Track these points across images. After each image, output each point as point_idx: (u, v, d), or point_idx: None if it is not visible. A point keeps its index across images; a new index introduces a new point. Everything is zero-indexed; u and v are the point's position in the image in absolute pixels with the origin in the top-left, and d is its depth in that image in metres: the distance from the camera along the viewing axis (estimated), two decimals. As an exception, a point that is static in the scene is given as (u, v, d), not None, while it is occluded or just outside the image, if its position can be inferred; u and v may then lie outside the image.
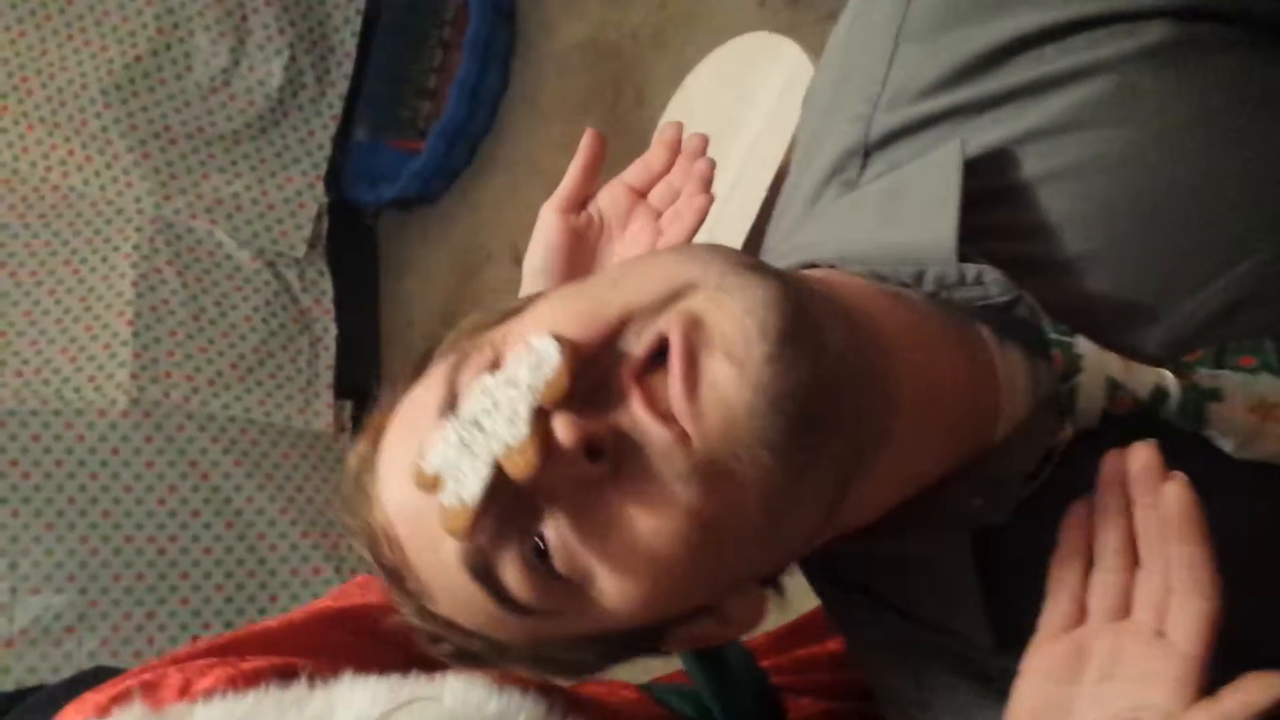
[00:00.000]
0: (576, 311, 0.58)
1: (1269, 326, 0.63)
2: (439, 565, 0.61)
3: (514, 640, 0.65)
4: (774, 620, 0.73)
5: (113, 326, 2.73)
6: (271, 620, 0.86)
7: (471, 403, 0.57)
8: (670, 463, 0.55)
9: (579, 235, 0.89)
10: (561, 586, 0.59)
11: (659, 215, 0.89)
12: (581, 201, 0.90)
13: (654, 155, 0.90)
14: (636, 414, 0.55)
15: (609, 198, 0.90)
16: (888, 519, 0.66)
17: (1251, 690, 0.51)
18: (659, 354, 0.56)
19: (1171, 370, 0.63)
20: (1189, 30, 0.65)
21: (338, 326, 3.14)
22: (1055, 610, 0.62)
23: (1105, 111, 0.65)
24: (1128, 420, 0.63)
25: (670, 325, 0.55)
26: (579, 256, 0.89)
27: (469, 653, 0.67)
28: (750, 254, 1.27)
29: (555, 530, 0.58)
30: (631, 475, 0.55)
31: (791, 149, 0.92)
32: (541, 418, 0.54)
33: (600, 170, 0.91)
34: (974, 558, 0.66)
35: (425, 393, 0.63)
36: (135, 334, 2.72)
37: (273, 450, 2.84)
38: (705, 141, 0.88)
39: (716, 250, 0.60)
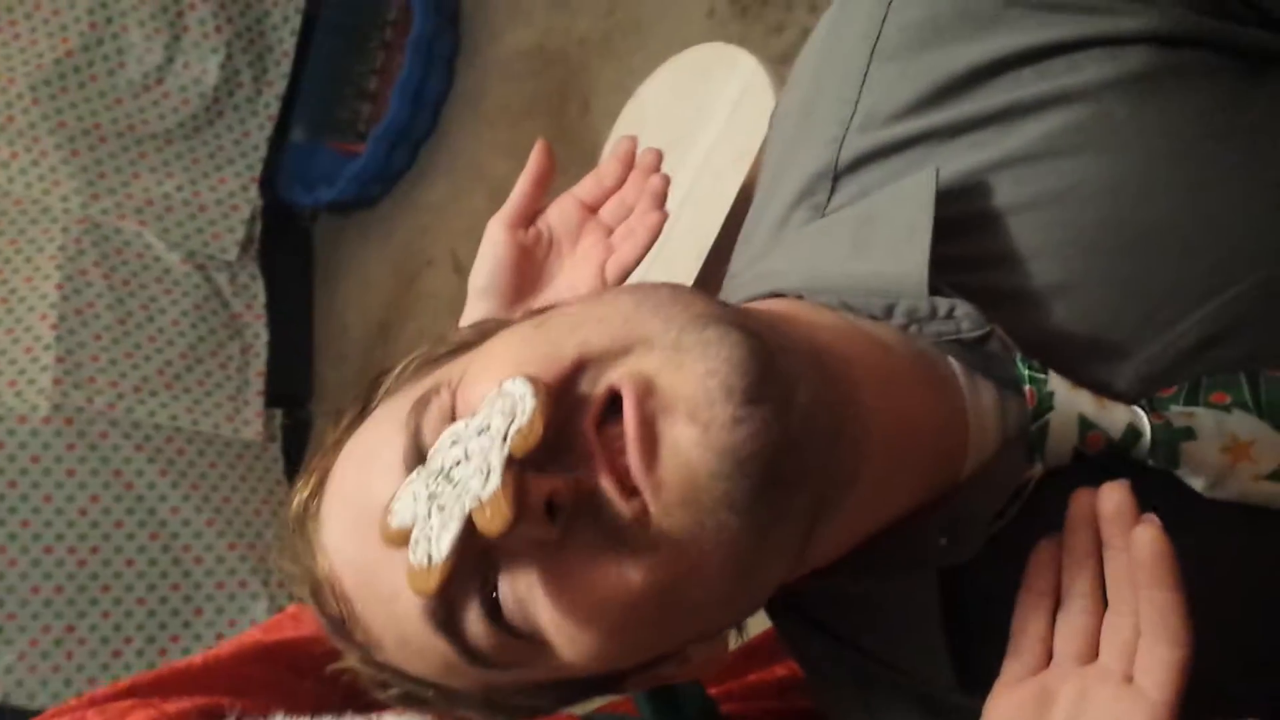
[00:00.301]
0: (534, 354, 0.56)
1: (1243, 361, 0.62)
2: (393, 617, 0.58)
3: (467, 687, 0.62)
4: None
5: (35, 330, 2.65)
6: (196, 656, 0.81)
7: (440, 453, 0.54)
8: (627, 533, 0.53)
9: (527, 251, 0.86)
10: (520, 639, 0.57)
11: (611, 231, 0.86)
12: (530, 216, 0.87)
13: (606, 169, 0.87)
14: (600, 482, 0.53)
15: (559, 212, 0.88)
16: (851, 556, 0.64)
17: None
18: (614, 403, 0.53)
19: (1145, 406, 0.61)
20: (1170, 57, 0.64)
21: (269, 332, 3.08)
22: (1019, 653, 0.60)
23: (1083, 140, 0.63)
24: (1099, 459, 0.61)
25: (623, 388, 0.53)
26: (527, 273, 0.86)
27: (416, 697, 0.64)
28: (711, 268, 1.24)
29: (510, 586, 0.55)
30: (592, 537, 0.53)
31: (755, 166, 0.89)
32: (513, 468, 0.51)
33: (550, 183, 0.88)
34: (939, 595, 0.63)
35: (375, 437, 0.60)
36: (58, 338, 2.64)
37: (200, 459, 2.78)
38: (659, 157, 0.86)
39: (677, 298, 0.57)
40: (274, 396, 3.06)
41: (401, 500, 0.55)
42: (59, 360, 2.62)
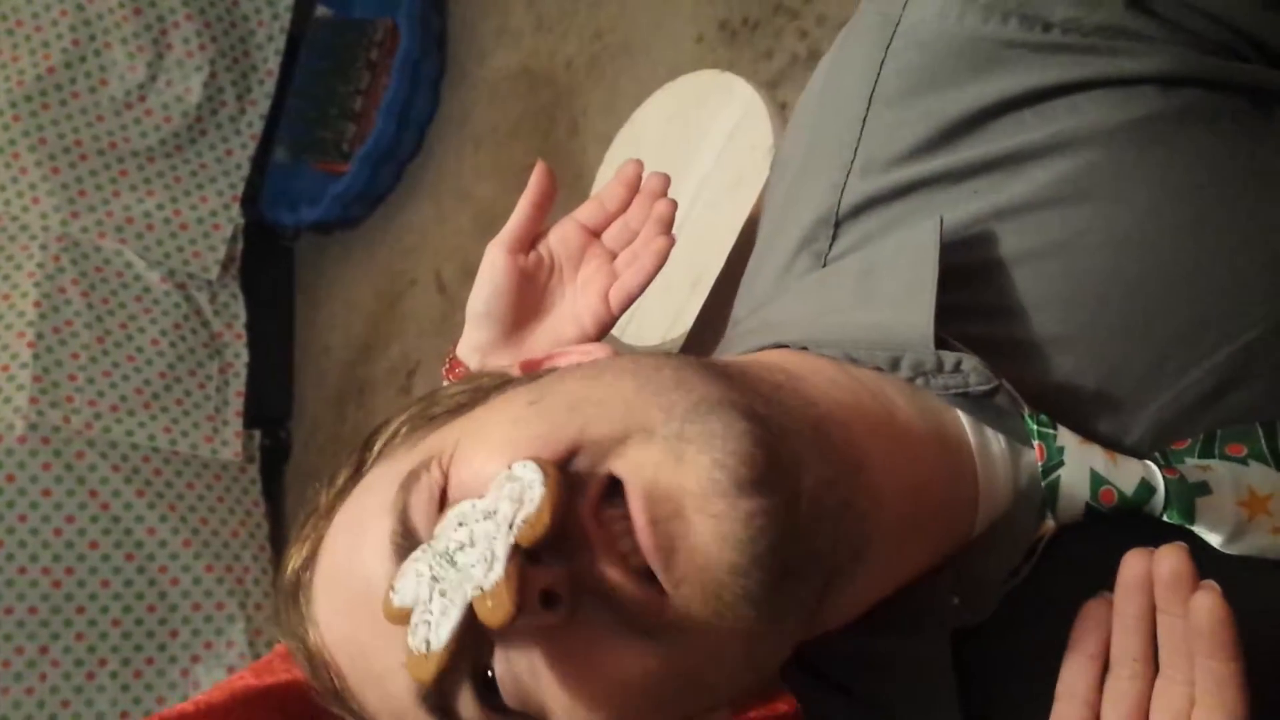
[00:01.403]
0: (529, 435, 0.54)
1: (1257, 410, 0.61)
2: (386, 697, 0.57)
3: None
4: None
5: (12, 348, 2.62)
6: (187, 704, 0.79)
7: (445, 534, 0.53)
8: (643, 620, 0.52)
9: (528, 276, 0.84)
10: (516, 718, 0.55)
11: (614, 257, 0.85)
12: (530, 240, 0.85)
13: (610, 193, 0.85)
14: (607, 571, 0.51)
15: (560, 237, 0.86)
16: (864, 617, 0.62)
17: None
18: (613, 490, 0.52)
19: (1158, 460, 0.60)
20: (1175, 99, 0.63)
21: (250, 352, 3.06)
22: (1065, 717, 0.58)
23: (1088, 186, 0.62)
24: (1112, 515, 0.60)
25: (628, 484, 0.51)
26: (528, 299, 0.85)
27: None
28: (715, 304, 1.22)
29: (507, 668, 0.54)
30: (599, 622, 0.52)
31: (755, 199, 0.88)
32: (517, 559, 0.49)
33: (550, 207, 0.86)
34: (952, 655, 0.62)
35: (369, 510, 0.58)
36: (36, 356, 2.61)
37: (177, 480, 2.75)
38: (667, 181, 0.84)
39: (680, 383, 0.55)
40: (253, 417, 3.03)
41: (405, 578, 0.53)
42: (36, 379, 2.59)
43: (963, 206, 0.64)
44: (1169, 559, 0.54)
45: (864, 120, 0.68)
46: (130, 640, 2.57)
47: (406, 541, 0.55)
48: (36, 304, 2.67)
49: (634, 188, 0.84)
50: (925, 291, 0.61)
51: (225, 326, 3.03)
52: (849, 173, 0.68)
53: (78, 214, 2.85)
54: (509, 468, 0.52)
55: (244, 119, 3.08)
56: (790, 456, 0.53)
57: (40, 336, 2.64)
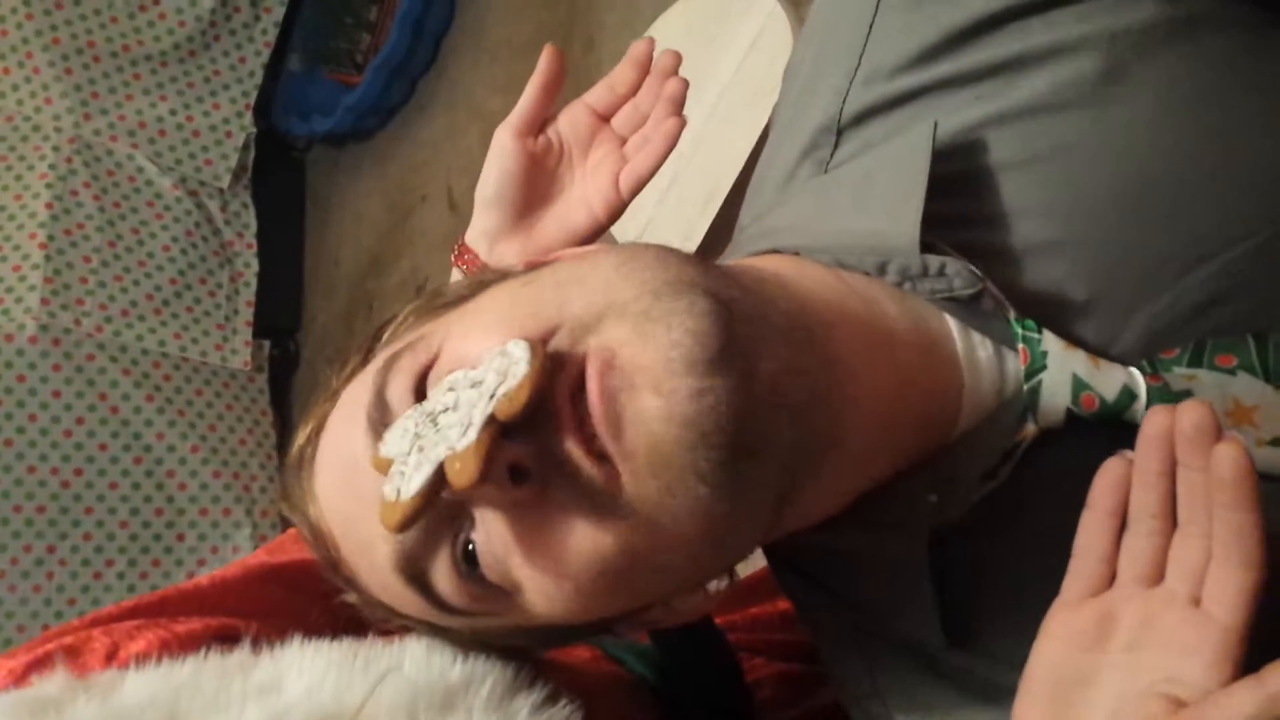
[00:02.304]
0: (517, 314, 0.56)
1: (1249, 321, 0.61)
2: (372, 566, 0.60)
3: (454, 628, 0.64)
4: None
5: (24, 248, 2.62)
6: (202, 578, 0.79)
7: (436, 396, 0.55)
8: (601, 497, 0.53)
9: (537, 161, 0.83)
10: (491, 591, 0.58)
11: (624, 141, 0.83)
12: (539, 124, 0.84)
13: (620, 75, 0.84)
14: (569, 447, 0.53)
15: (569, 121, 0.84)
16: (843, 513, 0.64)
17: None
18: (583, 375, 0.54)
19: (1145, 368, 0.60)
20: (1181, 8, 0.63)
21: (260, 263, 3.06)
22: (1081, 573, 0.58)
23: (1089, 93, 0.62)
24: (1093, 420, 0.60)
25: (589, 361, 0.53)
26: (537, 183, 0.84)
27: (409, 629, 0.66)
28: (726, 215, 1.22)
29: (484, 538, 0.56)
30: (564, 501, 0.54)
31: (773, 114, 0.88)
32: (490, 429, 0.51)
33: (558, 91, 0.85)
34: (929, 555, 0.63)
35: (360, 389, 0.61)
36: (47, 257, 2.62)
37: (186, 386, 2.77)
38: (678, 59, 0.82)
39: (659, 262, 0.57)
40: (262, 327, 3.04)
41: (394, 432, 0.56)
42: (47, 280, 2.59)
43: (964, 112, 0.64)
44: (1193, 412, 0.54)
45: (871, 25, 0.68)
46: (137, 542, 2.60)
47: (379, 414, 0.58)
48: (48, 205, 2.67)
49: (645, 68, 0.83)
50: (914, 196, 0.61)
51: (236, 235, 3.03)
52: (853, 80, 0.69)
53: (90, 116, 2.84)
54: (504, 344, 0.54)
55: (258, 26, 3.06)
56: (751, 339, 0.53)
57: (52, 238, 2.64)
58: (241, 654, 0.64)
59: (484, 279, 0.65)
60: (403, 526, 0.53)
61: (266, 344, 3.07)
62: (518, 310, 0.57)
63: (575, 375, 0.53)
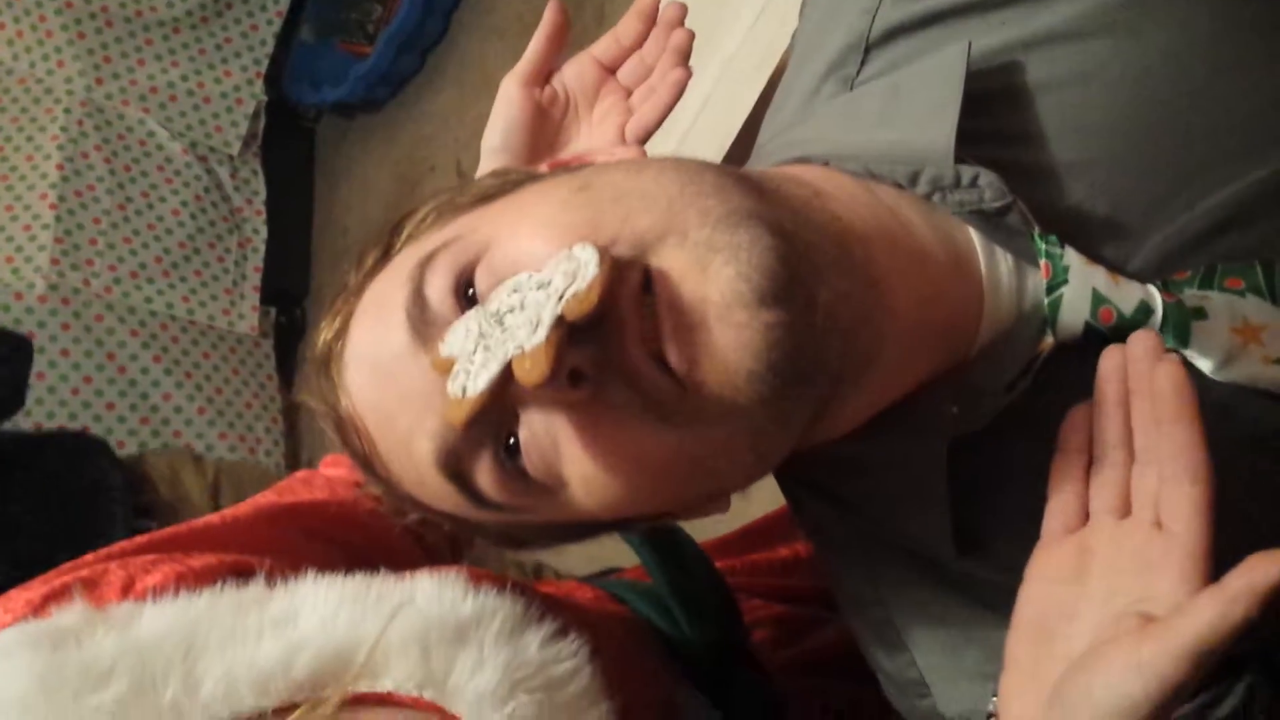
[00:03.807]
0: (576, 220, 0.57)
1: (1259, 247, 0.63)
2: (410, 461, 0.61)
3: (483, 523, 0.65)
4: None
5: (34, 208, 2.64)
6: (213, 515, 0.81)
7: (499, 297, 0.56)
8: (661, 405, 0.56)
9: (543, 111, 0.84)
10: (532, 487, 0.59)
11: (629, 94, 0.84)
12: (545, 74, 0.85)
13: (625, 27, 0.84)
14: (635, 356, 0.55)
15: (575, 72, 0.85)
16: (866, 424, 0.66)
17: (1257, 569, 0.49)
18: (647, 284, 0.55)
19: (1159, 286, 0.62)
20: None
21: (268, 229, 3.07)
22: (1056, 513, 0.61)
23: (1109, 23, 0.64)
24: (1110, 335, 0.62)
25: (659, 293, 0.55)
26: (543, 133, 0.84)
27: (433, 522, 0.67)
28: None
29: (530, 434, 0.58)
30: (621, 403, 0.56)
31: (778, 70, 0.89)
32: (561, 328, 0.53)
33: (564, 41, 0.86)
34: (946, 463, 0.65)
35: (392, 285, 0.62)
36: (58, 218, 2.64)
37: (194, 349, 2.79)
38: (683, 10, 0.83)
39: (721, 186, 0.58)
40: (270, 294, 3.06)
41: (455, 332, 0.57)
42: (57, 240, 2.62)
43: (991, 35, 0.66)
44: (1140, 339, 0.58)
45: None
46: (142, 503, 2.62)
47: (419, 311, 0.59)
48: (59, 166, 2.69)
49: (651, 20, 0.83)
50: (949, 109, 0.63)
51: (245, 202, 3.05)
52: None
53: (102, 80, 2.86)
54: (569, 247, 0.55)
55: (270, -6, 3.07)
56: (810, 271, 0.56)
57: (62, 199, 2.66)
58: (256, 588, 0.65)
59: (512, 178, 0.66)
60: (470, 421, 0.54)
61: (273, 310, 3.09)
62: (574, 216, 0.58)
63: (637, 285, 0.55)
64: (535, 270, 0.56)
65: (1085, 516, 0.60)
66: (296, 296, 3.27)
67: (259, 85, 3.08)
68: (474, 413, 0.54)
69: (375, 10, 3.04)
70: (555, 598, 0.77)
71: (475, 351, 0.55)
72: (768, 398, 0.55)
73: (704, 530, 0.86)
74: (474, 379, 0.54)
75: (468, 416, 0.54)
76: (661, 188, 0.58)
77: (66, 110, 2.77)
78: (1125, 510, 0.59)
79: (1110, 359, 0.59)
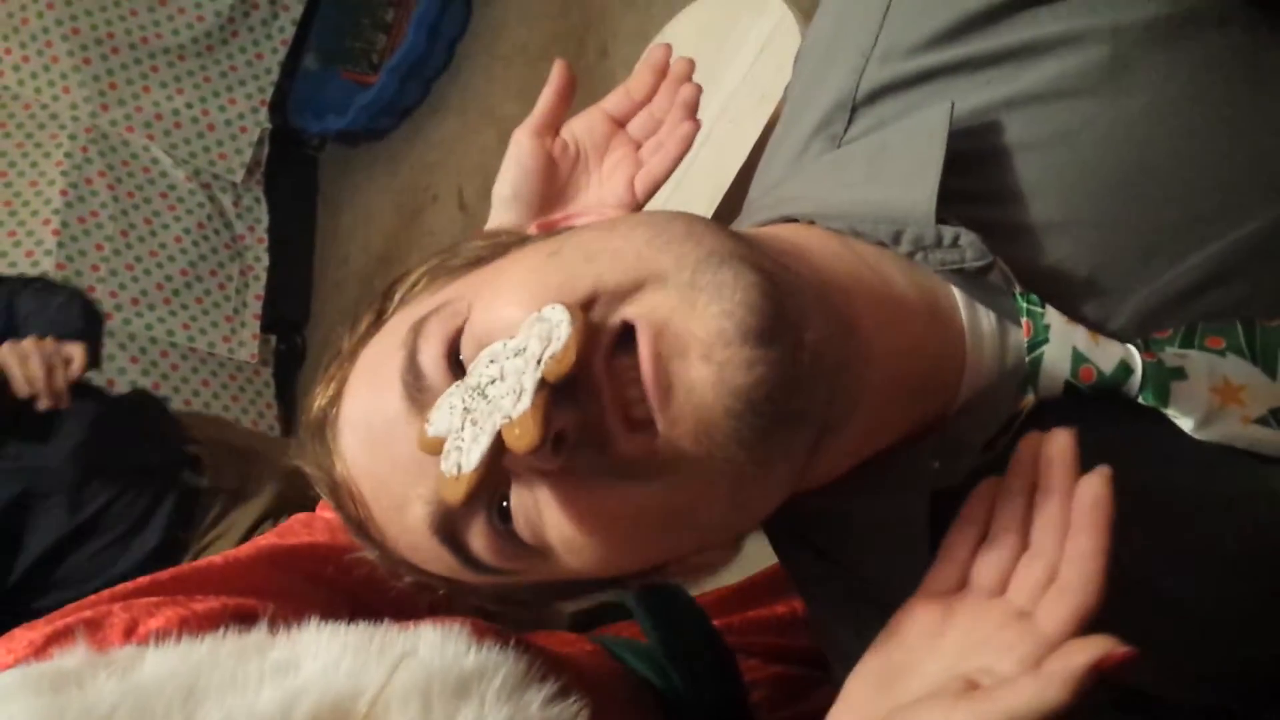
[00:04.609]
0: (548, 284, 0.57)
1: (1238, 306, 0.63)
2: (404, 526, 0.61)
3: (476, 584, 0.65)
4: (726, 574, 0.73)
5: (38, 234, 2.65)
6: (216, 557, 0.80)
7: (478, 370, 0.56)
8: (636, 466, 0.55)
9: (554, 161, 0.85)
10: (525, 550, 0.59)
11: (639, 146, 0.85)
12: (556, 125, 0.86)
13: (636, 81, 0.85)
14: (611, 425, 0.55)
15: (586, 125, 0.86)
16: (847, 476, 0.66)
17: (1074, 653, 0.51)
18: (625, 336, 0.55)
19: (1139, 346, 0.62)
20: (1184, 3, 0.65)
21: (270, 257, 3.08)
22: (938, 575, 0.61)
23: (1096, 82, 0.65)
24: (1090, 394, 0.63)
25: (638, 326, 0.54)
26: (554, 184, 0.85)
27: (429, 586, 0.66)
28: (725, 213, 1.24)
29: (519, 500, 0.58)
30: (596, 466, 0.55)
31: (778, 111, 0.90)
32: (544, 391, 0.53)
33: (572, 96, 0.87)
34: (929, 518, 0.65)
35: (385, 351, 0.62)
36: (60, 244, 2.64)
37: (193, 376, 2.79)
38: (692, 66, 0.84)
39: (691, 233, 0.58)
40: (271, 321, 3.07)
41: (439, 411, 0.57)
42: (60, 266, 2.63)
43: (975, 95, 0.66)
44: (1058, 439, 0.58)
45: (887, 7, 0.70)
46: (140, 530, 2.62)
47: (413, 378, 0.59)
48: (63, 192, 2.70)
49: (661, 73, 0.84)
50: (931, 170, 0.63)
51: (248, 229, 3.06)
52: (869, 58, 0.70)
53: (107, 106, 2.87)
54: (539, 310, 0.55)
55: (275, 23, 3.09)
56: (795, 311, 0.55)
57: (65, 225, 2.67)
58: (259, 634, 0.64)
59: (501, 240, 0.66)
60: (470, 498, 0.54)
61: (273, 338, 3.09)
62: (548, 279, 0.57)
63: (612, 341, 0.55)
64: (510, 337, 0.56)
65: (963, 584, 0.61)
66: (297, 324, 3.28)
67: (263, 113, 3.10)
68: (471, 489, 0.54)
69: (380, 40, 3.06)
70: (557, 655, 0.77)
71: (463, 427, 0.55)
72: (748, 438, 0.54)
73: (706, 581, 0.86)
74: (466, 455, 0.54)
75: (466, 495, 0.54)
76: (630, 243, 0.58)
77: (71, 136, 2.78)
78: (1000, 590, 0.59)
79: (1027, 447, 0.60)
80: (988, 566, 0.59)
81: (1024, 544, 0.59)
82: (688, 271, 0.55)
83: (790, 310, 0.55)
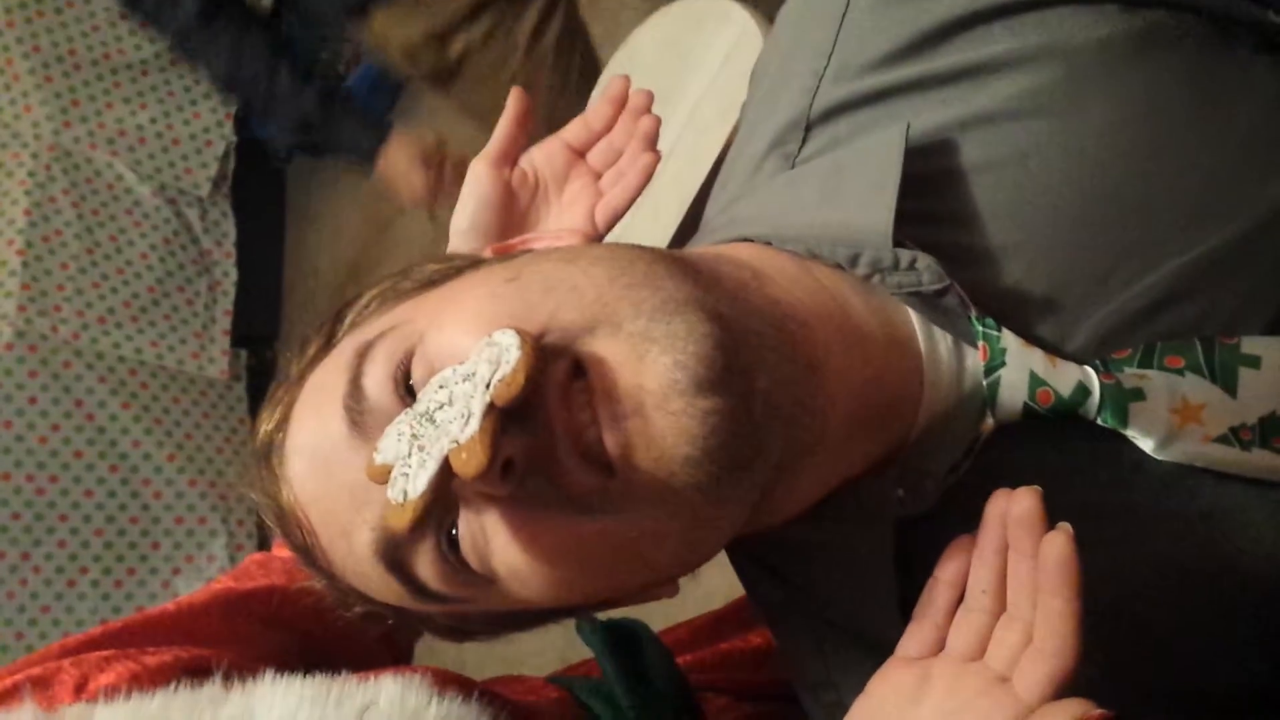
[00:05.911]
0: (504, 312, 0.57)
1: (1197, 324, 0.63)
2: (351, 553, 0.60)
3: (428, 614, 0.64)
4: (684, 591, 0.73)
5: (1, 254, 2.63)
6: (169, 604, 0.79)
7: (427, 396, 0.55)
8: (584, 499, 0.55)
9: (512, 192, 0.84)
10: (473, 578, 0.58)
11: (599, 176, 0.84)
12: (514, 155, 0.84)
13: (595, 112, 0.85)
14: (563, 457, 0.54)
15: (545, 155, 0.85)
16: (810, 508, 0.65)
17: (1054, 713, 0.51)
18: (578, 369, 0.55)
19: (1098, 367, 0.62)
20: (1139, 20, 0.65)
21: (239, 272, 3.06)
22: (914, 637, 0.61)
23: (1049, 102, 0.64)
24: (1049, 416, 0.62)
25: (591, 373, 0.54)
26: (512, 216, 0.84)
27: (378, 615, 0.66)
28: (690, 221, 1.23)
29: (467, 527, 0.57)
30: (546, 495, 0.55)
31: (740, 114, 0.90)
32: (493, 415, 0.52)
33: (530, 123, 0.86)
34: (893, 546, 0.65)
35: (331, 375, 0.61)
36: (25, 264, 2.62)
37: (163, 394, 2.77)
38: (650, 98, 0.84)
39: (650, 279, 0.57)
40: (241, 336, 3.05)
41: (387, 438, 0.56)
42: (24, 287, 2.60)
43: (930, 115, 0.66)
44: (1023, 499, 0.57)
45: (840, 26, 0.70)
46: (112, 550, 2.60)
47: (355, 403, 0.58)
48: (27, 212, 2.67)
49: (620, 104, 0.84)
50: (887, 192, 0.63)
51: (215, 244, 3.04)
52: (822, 77, 0.70)
53: (70, 124, 2.84)
54: (489, 334, 0.54)
55: (239, 36, 3.07)
56: (748, 359, 0.55)
57: (29, 245, 2.64)
58: (212, 688, 0.63)
59: (454, 263, 0.66)
60: (415, 525, 0.53)
61: (244, 353, 3.07)
62: (501, 307, 0.57)
63: (564, 373, 0.54)
64: (461, 362, 0.55)
65: (940, 646, 0.60)
66: (268, 338, 3.26)
67: (228, 127, 3.08)
68: (417, 516, 0.53)
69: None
70: (521, 705, 0.75)
71: (410, 454, 0.54)
72: (704, 484, 0.54)
73: (674, 615, 0.84)
74: (413, 480, 0.53)
75: (411, 522, 0.53)
76: (591, 280, 0.58)
77: (34, 155, 2.76)
78: (978, 653, 0.59)
79: (995, 506, 0.59)
80: (965, 631, 0.59)
81: (999, 605, 0.59)
82: (643, 320, 0.55)
83: (743, 358, 0.55)
